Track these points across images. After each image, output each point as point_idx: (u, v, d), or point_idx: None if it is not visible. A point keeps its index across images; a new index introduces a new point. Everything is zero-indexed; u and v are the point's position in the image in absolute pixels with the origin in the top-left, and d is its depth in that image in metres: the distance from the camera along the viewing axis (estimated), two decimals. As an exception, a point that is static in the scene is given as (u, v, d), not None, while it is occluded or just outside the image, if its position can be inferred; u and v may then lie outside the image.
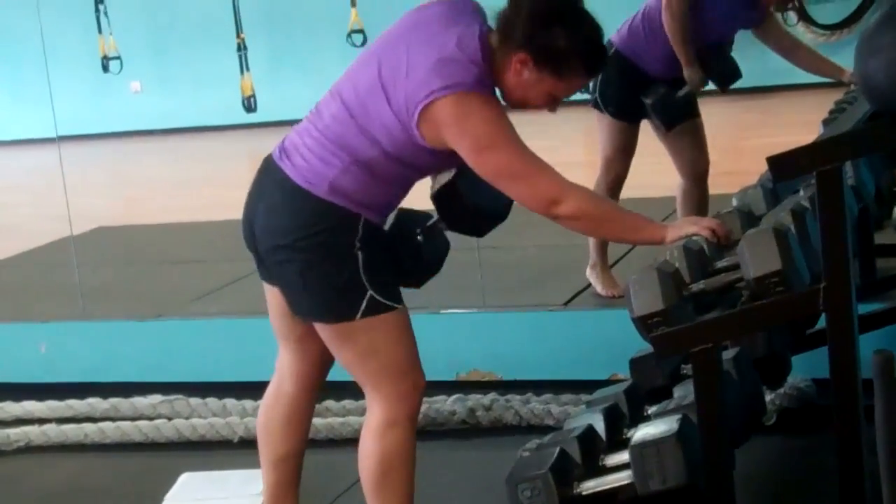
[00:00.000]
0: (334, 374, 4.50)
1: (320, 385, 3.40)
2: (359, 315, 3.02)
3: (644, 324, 2.77)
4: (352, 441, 4.41)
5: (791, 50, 5.34)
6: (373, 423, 3.13)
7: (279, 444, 3.39)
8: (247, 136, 13.24)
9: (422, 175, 3.13)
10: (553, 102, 3.05)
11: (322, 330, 3.12)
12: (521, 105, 3.05)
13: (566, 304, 5.32)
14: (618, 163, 5.26)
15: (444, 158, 3.03)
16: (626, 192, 5.42)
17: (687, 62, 5.00)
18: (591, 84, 5.08)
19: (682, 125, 5.21)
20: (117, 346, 5.36)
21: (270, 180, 3.12)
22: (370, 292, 3.02)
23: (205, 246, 7.56)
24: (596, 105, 5.19)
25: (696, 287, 2.83)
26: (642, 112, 5.19)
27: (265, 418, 3.42)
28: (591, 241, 5.41)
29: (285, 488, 3.39)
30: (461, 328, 4.84)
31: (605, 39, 3.09)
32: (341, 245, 3.01)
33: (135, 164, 12.99)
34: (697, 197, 5.30)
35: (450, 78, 2.90)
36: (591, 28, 2.99)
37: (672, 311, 2.73)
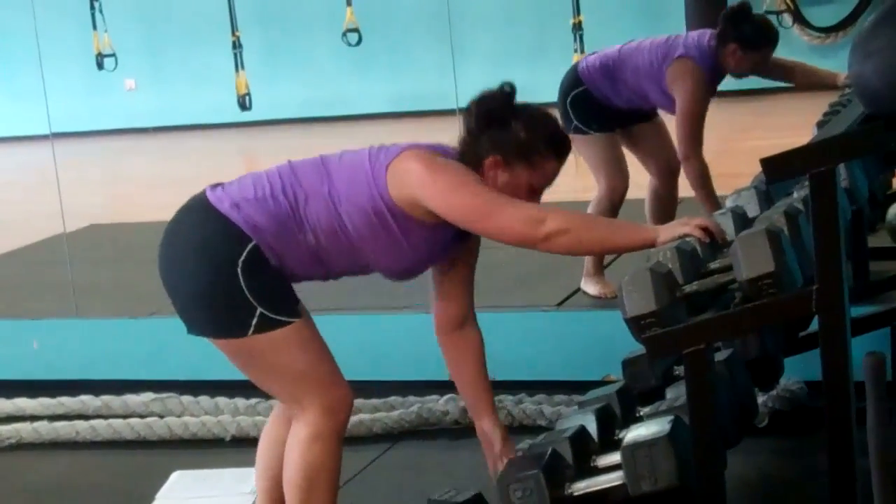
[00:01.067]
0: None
1: None
2: (251, 331, 3.02)
3: (637, 324, 2.76)
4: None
5: (786, 75, 5.51)
6: (299, 435, 3.13)
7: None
8: (241, 134, 13.26)
9: (349, 260, 3.15)
10: (535, 193, 3.14)
11: (220, 347, 3.12)
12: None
13: (559, 304, 5.32)
14: (617, 174, 5.37)
15: (391, 242, 3.09)
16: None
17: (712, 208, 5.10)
18: (563, 117, 5.31)
19: (641, 126, 5.42)
20: (109, 344, 5.36)
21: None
22: (259, 310, 3.02)
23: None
24: (578, 130, 5.29)
25: (688, 288, 2.83)
26: (617, 121, 5.40)
27: (266, 441, 3.40)
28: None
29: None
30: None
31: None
32: (226, 259, 3.02)
33: (128, 162, 12.99)
34: (668, 196, 5.40)
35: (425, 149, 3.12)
36: (542, 115, 3.16)
37: (665, 312, 2.73)
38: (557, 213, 2.98)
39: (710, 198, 5.22)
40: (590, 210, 5.33)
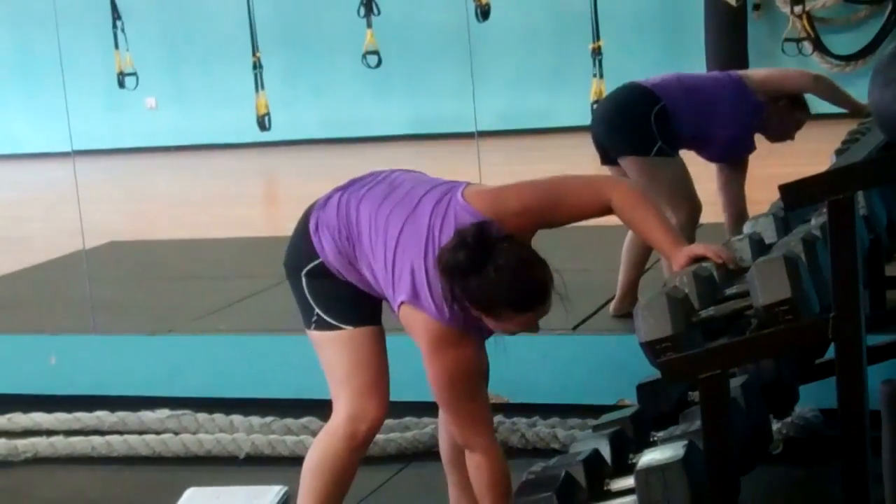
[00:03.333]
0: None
1: None
2: (312, 326, 3.34)
3: (652, 349, 2.76)
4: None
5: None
6: (326, 426, 3.38)
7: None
8: (260, 154, 13.28)
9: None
10: (527, 328, 3.12)
11: None
12: (505, 334, 3.20)
13: (575, 328, 5.29)
14: (696, 195, 5.32)
15: None
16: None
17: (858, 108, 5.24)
18: (643, 139, 5.18)
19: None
20: (126, 361, 5.37)
21: None
22: (317, 310, 3.31)
23: (216, 263, 7.56)
24: (662, 153, 5.17)
25: (704, 313, 2.82)
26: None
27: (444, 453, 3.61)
28: (621, 276, 5.45)
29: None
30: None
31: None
32: (297, 266, 3.35)
33: (148, 180, 13.02)
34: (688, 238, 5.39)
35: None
36: (505, 272, 3.00)
37: (680, 337, 2.72)
38: (490, 455, 3.16)
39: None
40: None
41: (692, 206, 5.29)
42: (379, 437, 4.47)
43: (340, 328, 3.30)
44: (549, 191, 3.13)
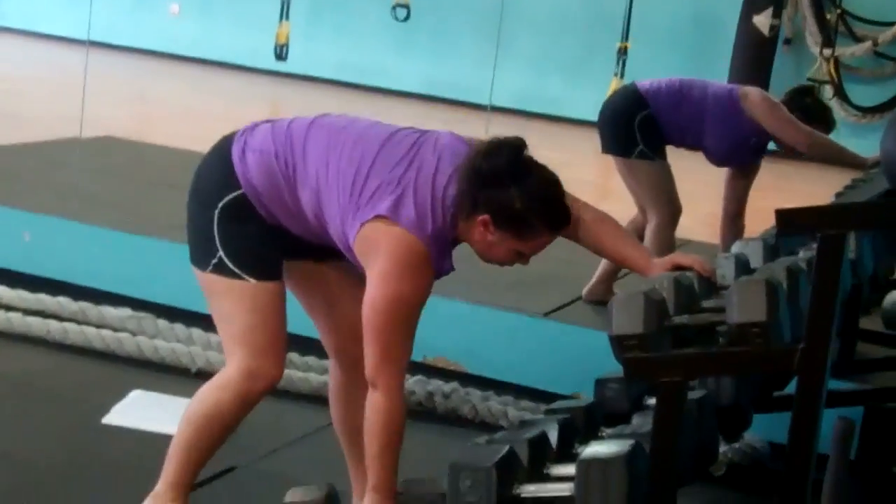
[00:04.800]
0: (302, 329, 4.54)
1: (352, 360, 3.30)
2: (209, 269, 3.10)
3: (620, 344, 2.75)
4: (306, 397, 4.44)
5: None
6: (216, 378, 3.20)
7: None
8: (271, 82, 13.24)
9: (297, 226, 3.15)
10: (521, 258, 3.05)
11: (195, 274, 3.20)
12: (490, 261, 3.07)
13: (546, 314, 5.31)
14: (677, 200, 5.43)
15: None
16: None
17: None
18: (625, 140, 5.33)
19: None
20: (99, 253, 5.35)
21: None
22: (220, 253, 3.09)
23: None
24: (643, 156, 5.30)
25: (678, 320, 2.82)
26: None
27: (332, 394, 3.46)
28: (602, 264, 5.49)
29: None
30: (437, 313, 4.77)
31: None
32: (210, 198, 3.10)
33: (156, 85, 12.97)
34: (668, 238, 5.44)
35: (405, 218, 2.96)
36: (545, 185, 2.96)
37: (649, 338, 2.72)
38: (389, 394, 2.97)
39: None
40: (648, 243, 5.31)
41: (671, 209, 5.40)
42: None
43: (242, 278, 3.08)
44: None
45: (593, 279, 5.67)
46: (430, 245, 2.96)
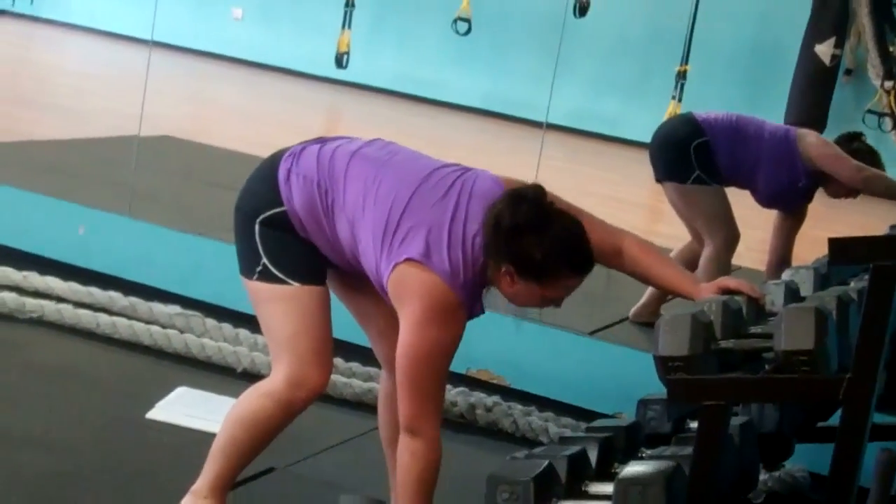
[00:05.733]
0: (347, 335, 4.54)
1: None
2: (255, 276, 3.14)
3: (665, 364, 2.74)
4: (349, 402, 4.44)
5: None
6: (260, 385, 3.22)
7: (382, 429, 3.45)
8: (329, 90, 13.29)
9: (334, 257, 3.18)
10: (553, 302, 3.06)
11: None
12: (521, 305, 3.09)
13: (592, 333, 5.30)
14: (734, 226, 5.42)
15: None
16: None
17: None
18: (681, 166, 5.31)
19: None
20: (152, 250, 5.38)
21: None
22: (264, 259, 3.12)
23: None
24: (699, 181, 5.27)
25: (724, 344, 2.80)
26: None
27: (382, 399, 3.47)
28: (649, 289, 5.48)
29: None
30: (482, 326, 4.78)
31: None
32: (254, 210, 3.14)
33: (216, 87, 13.06)
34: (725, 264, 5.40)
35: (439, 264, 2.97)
36: (565, 232, 2.96)
37: (695, 360, 2.70)
38: (427, 445, 2.99)
39: None
40: (704, 269, 5.29)
41: (729, 234, 5.37)
42: (376, 387, 4.48)
43: (287, 283, 3.11)
44: (575, 209, 3.08)
45: (641, 300, 5.65)
46: (462, 294, 2.99)
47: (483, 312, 3.09)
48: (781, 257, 5.56)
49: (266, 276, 3.12)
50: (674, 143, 5.38)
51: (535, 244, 2.93)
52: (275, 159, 3.17)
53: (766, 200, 5.47)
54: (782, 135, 5.36)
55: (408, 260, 2.97)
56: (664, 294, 5.55)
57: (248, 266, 3.16)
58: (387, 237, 3.01)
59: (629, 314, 5.67)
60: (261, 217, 3.12)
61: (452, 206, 3.01)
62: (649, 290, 5.57)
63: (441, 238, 2.98)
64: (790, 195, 5.39)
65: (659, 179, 5.47)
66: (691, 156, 5.28)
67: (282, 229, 3.12)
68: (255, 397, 3.19)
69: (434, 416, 3.00)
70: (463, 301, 2.98)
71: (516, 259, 2.94)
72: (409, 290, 2.97)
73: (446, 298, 2.96)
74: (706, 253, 5.35)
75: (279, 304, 3.13)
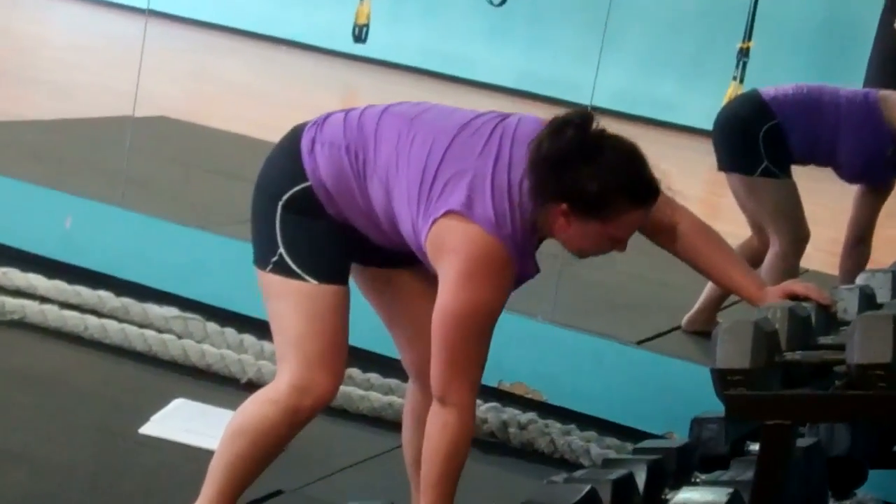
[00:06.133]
0: (365, 343, 4.56)
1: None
2: (269, 268, 3.14)
3: (722, 379, 2.74)
4: (366, 418, 4.47)
5: None
6: (264, 390, 3.25)
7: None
8: (347, 66, 13.30)
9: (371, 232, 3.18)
10: (616, 244, 3.03)
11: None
12: (581, 254, 3.06)
13: (640, 343, 5.30)
14: (805, 223, 5.41)
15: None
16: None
17: None
18: (748, 157, 5.29)
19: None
20: (146, 245, 5.41)
21: None
22: (281, 249, 3.12)
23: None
24: (768, 173, 5.25)
25: (790, 356, 2.80)
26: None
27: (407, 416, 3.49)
28: (706, 290, 5.48)
29: None
30: (517, 334, 4.83)
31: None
32: (276, 189, 3.14)
33: (219, 62, 13.10)
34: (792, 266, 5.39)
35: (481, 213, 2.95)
36: (621, 156, 2.94)
37: (757, 374, 2.70)
38: (461, 412, 2.97)
39: None
40: (769, 271, 5.28)
41: (797, 233, 5.35)
42: (397, 401, 4.50)
43: (304, 279, 3.11)
44: None
45: (695, 307, 5.65)
46: (510, 245, 2.95)
47: (537, 272, 3.06)
48: (859, 235, 5.54)
49: (281, 269, 3.12)
50: (739, 129, 5.35)
51: (588, 174, 2.89)
52: (296, 132, 3.19)
53: (850, 175, 5.43)
54: (861, 99, 5.33)
55: (447, 213, 2.96)
56: (721, 299, 5.55)
57: (263, 255, 3.16)
58: (423, 192, 3.00)
59: (682, 322, 5.67)
60: (284, 197, 3.11)
61: (494, 152, 3.00)
62: (705, 294, 5.57)
63: (483, 187, 2.96)
64: (877, 166, 5.34)
65: (722, 169, 5.46)
66: (760, 144, 5.25)
67: (306, 213, 3.12)
68: (257, 405, 3.20)
69: (470, 384, 2.98)
70: (510, 255, 2.95)
71: (569, 194, 2.91)
72: (450, 245, 2.96)
73: (491, 250, 2.93)
74: (772, 253, 5.34)
75: (292, 301, 3.13)
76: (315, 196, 3.11)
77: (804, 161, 5.40)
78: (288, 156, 3.16)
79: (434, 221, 2.97)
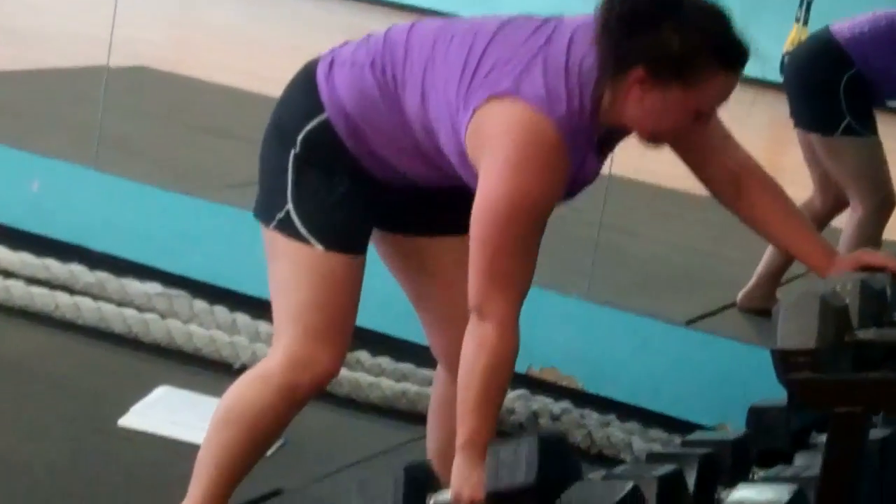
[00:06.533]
0: (377, 325, 4.56)
1: None
2: (273, 224, 3.14)
3: (785, 360, 2.73)
4: (376, 408, 4.48)
5: None
6: (254, 369, 3.28)
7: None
8: (349, 8, 13.30)
9: (416, 164, 3.15)
10: (698, 117, 2.98)
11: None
12: (660, 137, 3.00)
13: (689, 322, 5.31)
14: (885, 185, 5.42)
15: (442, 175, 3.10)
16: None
17: None
18: (828, 114, 5.29)
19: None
20: (124, 212, 5.42)
21: None
22: (289, 206, 3.12)
23: (260, 125, 7.61)
24: (850, 131, 5.23)
25: (863, 334, 2.79)
26: None
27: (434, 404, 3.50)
28: (763, 261, 5.48)
29: None
30: (548, 312, 4.84)
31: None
32: (290, 127, 3.14)
33: (206, 6, 13.09)
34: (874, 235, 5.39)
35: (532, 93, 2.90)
36: (706, 14, 2.90)
37: (825, 355, 2.69)
38: (500, 333, 2.91)
39: None
40: (848, 239, 5.31)
41: (882, 198, 5.35)
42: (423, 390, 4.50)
43: (310, 244, 3.12)
44: None
45: (752, 281, 5.65)
46: (564, 129, 2.88)
47: (596, 175, 3.03)
48: None
49: (286, 229, 3.13)
50: (816, 84, 5.33)
51: (669, 29, 2.85)
52: (310, 65, 3.19)
53: None
54: None
55: (491, 98, 2.91)
56: (779, 272, 5.55)
57: (268, 209, 3.16)
58: (465, 79, 2.96)
59: (737, 298, 5.68)
60: (299, 137, 3.11)
61: (546, 36, 2.96)
62: (763, 265, 5.57)
63: (533, 68, 2.91)
64: None
65: (800, 126, 5.44)
66: (841, 99, 5.23)
67: (322, 167, 3.11)
68: (248, 383, 3.22)
69: (513, 294, 2.92)
70: (564, 141, 2.89)
71: (647, 54, 2.86)
72: (491, 129, 2.91)
73: (541, 131, 2.87)
74: (853, 218, 5.34)
75: (295, 266, 3.14)
76: (334, 130, 3.10)
77: (891, 98, 5.37)
78: (301, 90, 3.16)
79: (475, 111, 2.92)
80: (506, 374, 2.94)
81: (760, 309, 5.43)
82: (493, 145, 2.88)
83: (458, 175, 3.04)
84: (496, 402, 2.94)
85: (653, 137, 2.99)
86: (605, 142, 3.04)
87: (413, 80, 3.04)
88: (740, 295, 5.68)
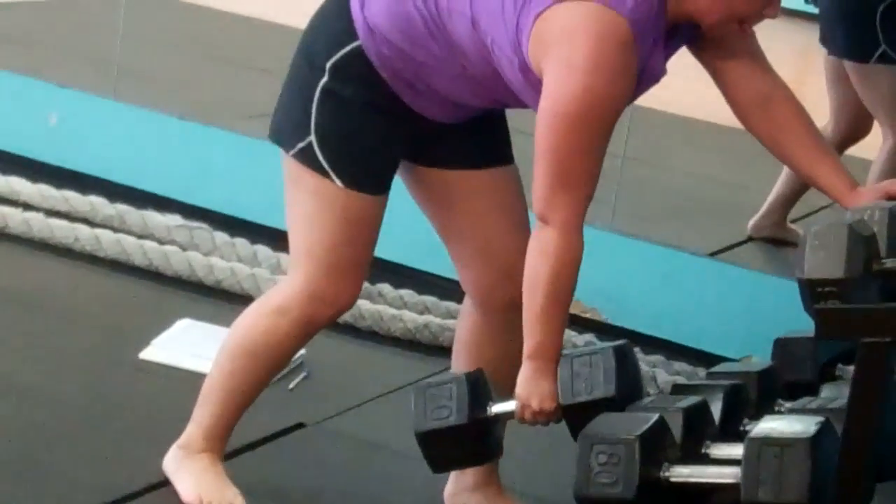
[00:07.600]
0: (399, 257, 4.53)
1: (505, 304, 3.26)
2: (293, 151, 3.12)
3: (812, 290, 2.72)
4: (397, 341, 4.47)
5: None
6: (268, 299, 3.28)
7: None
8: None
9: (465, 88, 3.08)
10: (743, 25, 2.96)
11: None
12: (727, 22, 2.95)
13: (713, 254, 5.29)
14: None
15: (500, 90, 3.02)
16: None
17: None
18: (862, 41, 5.24)
19: None
20: (144, 144, 5.43)
21: None
22: (311, 137, 3.09)
23: (285, 57, 7.57)
24: (885, 59, 5.20)
25: (891, 263, 2.79)
26: None
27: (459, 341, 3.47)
28: (776, 188, 5.45)
29: None
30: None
31: None
32: (319, 54, 3.09)
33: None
34: None
35: None
36: None
37: (853, 284, 2.68)
38: (568, 236, 2.91)
39: None
40: (880, 167, 5.29)
41: None
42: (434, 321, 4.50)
43: (330, 178, 3.09)
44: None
45: (762, 209, 5.62)
46: (634, 25, 2.83)
47: (664, 72, 2.98)
48: None
49: (307, 159, 3.10)
50: (852, 11, 5.27)
51: None
52: None
53: None
54: None
55: (556, 1, 2.84)
56: (792, 200, 5.53)
57: (289, 136, 3.14)
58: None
59: (747, 227, 5.65)
60: (329, 63, 3.06)
61: None
62: (773, 194, 5.55)
63: None
64: None
65: (834, 54, 5.41)
66: (877, 26, 5.19)
67: (352, 95, 3.06)
68: (263, 316, 3.22)
69: (579, 199, 2.90)
70: (633, 37, 2.84)
71: None
72: (558, 30, 2.84)
73: (611, 28, 2.82)
74: (884, 148, 5.31)
75: (314, 199, 3.12)
76: (366, 58, 3.05)
77: None
78: (334, 14, 3.10)
79: (538, 16, 2.86)
80: (571, 280, 2.94)
81: (773, 238, 5.43)
82: (559, 47, 2.83)
83: (509, 97, 3.02)
84: (563, 309, 2.95)
85: (720, 25, 2.94)
86: (668, 45, 2.99)
87: (459, 6, 2.97)
88: (750, 223, 5.66)
